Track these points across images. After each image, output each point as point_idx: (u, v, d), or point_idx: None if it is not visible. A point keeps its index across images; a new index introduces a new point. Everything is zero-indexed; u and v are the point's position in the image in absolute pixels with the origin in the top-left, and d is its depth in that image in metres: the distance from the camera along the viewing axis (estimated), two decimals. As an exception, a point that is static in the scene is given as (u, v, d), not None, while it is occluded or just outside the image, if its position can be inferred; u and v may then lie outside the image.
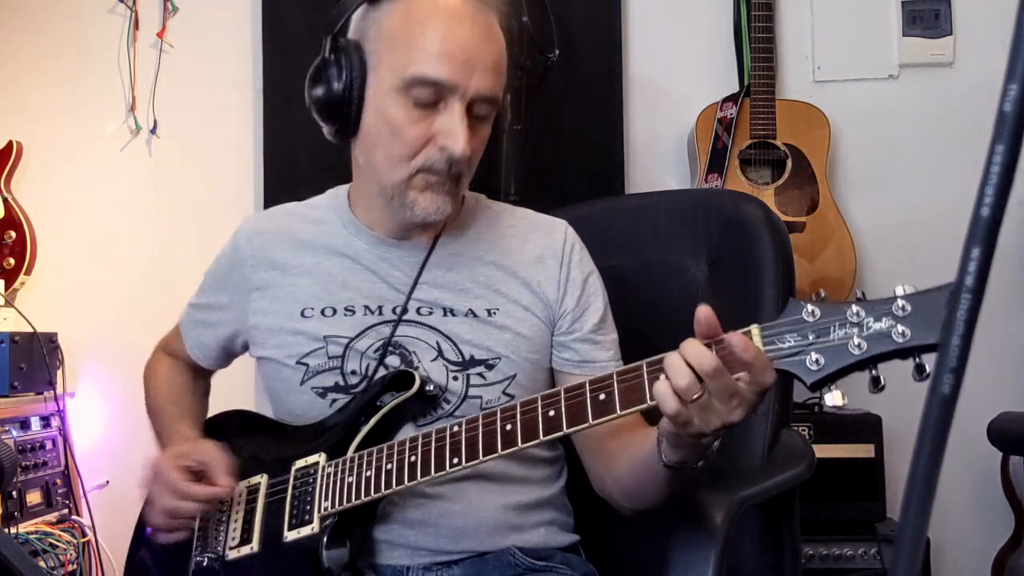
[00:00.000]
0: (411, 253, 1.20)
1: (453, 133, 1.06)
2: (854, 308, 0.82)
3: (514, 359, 1.17)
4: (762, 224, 1.38)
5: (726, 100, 2.29)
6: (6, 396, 2.12)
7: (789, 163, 2.24)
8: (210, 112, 2.53)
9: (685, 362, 0.85)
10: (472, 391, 1.16)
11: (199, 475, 1.14)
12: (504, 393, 1.16)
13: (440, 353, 1.16)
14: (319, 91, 1.12)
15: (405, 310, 1.17)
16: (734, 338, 0.85)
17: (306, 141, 2.43)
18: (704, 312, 0.87)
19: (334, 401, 1.17)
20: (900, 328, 0.80)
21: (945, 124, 2.38)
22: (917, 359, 0.80)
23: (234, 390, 1.44)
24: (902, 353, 0.80)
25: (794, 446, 1.28)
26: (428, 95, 1.07)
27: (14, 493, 2.00)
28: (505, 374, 1.17)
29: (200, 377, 1.40)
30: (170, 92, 2.53)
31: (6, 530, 1.91)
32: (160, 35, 2.52)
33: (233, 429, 1.29)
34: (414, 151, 1.09)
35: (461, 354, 1.16)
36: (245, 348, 1.30)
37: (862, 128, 2.39)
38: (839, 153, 2.37)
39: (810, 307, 0.84)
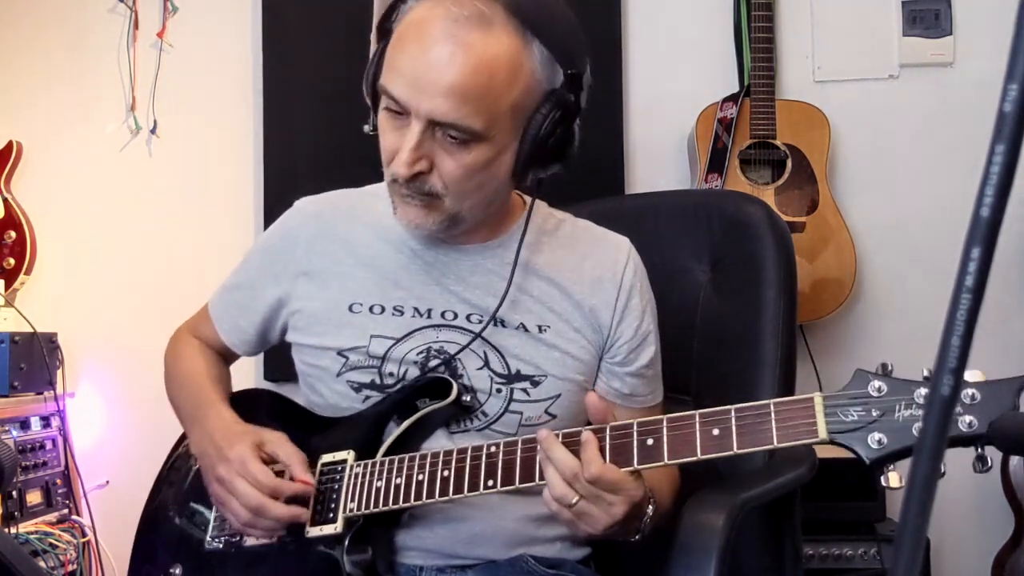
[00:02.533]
0: (466, 256, 1.18)
1: (399, 152, 1.03)
2: (922, 390, 0.82)
3: (561, 379, 1.15)
4: (764, 225, 1.39)
5: (726, 100, 2.29)
6: (6, 396, 2.12)
7: (789, 163, 2.23)
8: (210, 112, 2.53)
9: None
10: (514, 406, 1.14)
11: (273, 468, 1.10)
12: (547, 412, 1.15)
13: (486, 363, 1.14)
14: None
15: (455, 315, 1.15)
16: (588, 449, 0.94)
17: (306, 141, 2.44)
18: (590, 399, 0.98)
19: (367, 398, 1.16)
20: (968, 418, 0.79)
21: (945, 124, 2.38)
22: (980, 449, 0.79)
23: (235, 374, 1.42)
24: (966, 441, 0.80)
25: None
26: (395, 106, 1.03)
27: (14, 493, 2.00)
28: (550, 392, 1.15)
29: (225, 364, 1.35)
30: (170, 92, 2.53)
31: (6, 530, 1.91)
32: (160, 35, 2.52)
33: (261, 410, 1.26)
34: (389, 159, 1.06)
35: (507, 367, 1.14)
36: (283, 334, 1.26)
37: (862, 128, 2.39)
38: (839, 153, 2.37)
39: (877, 382, 0.84)
